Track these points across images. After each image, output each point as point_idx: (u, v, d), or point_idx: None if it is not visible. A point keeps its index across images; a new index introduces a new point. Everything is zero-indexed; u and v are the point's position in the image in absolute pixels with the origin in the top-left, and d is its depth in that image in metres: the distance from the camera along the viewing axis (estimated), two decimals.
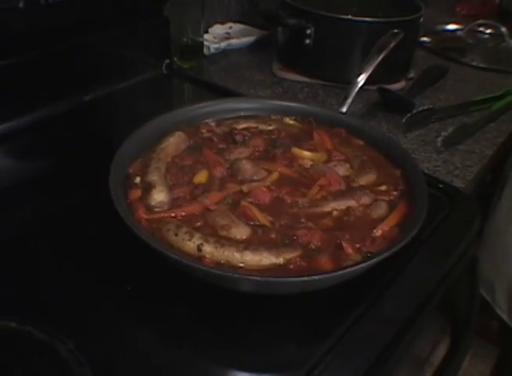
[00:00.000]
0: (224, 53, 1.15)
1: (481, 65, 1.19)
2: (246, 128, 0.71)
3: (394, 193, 0.60)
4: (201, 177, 0.60)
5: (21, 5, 0.75)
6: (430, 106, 0.92)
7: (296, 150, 0.65)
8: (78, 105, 0.86)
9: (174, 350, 0.47)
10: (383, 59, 0.85)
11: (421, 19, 1.03)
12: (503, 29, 1.31)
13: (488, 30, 1.41)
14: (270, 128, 0.71)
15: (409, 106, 0.90)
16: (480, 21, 1.39)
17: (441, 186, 0.71)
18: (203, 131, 0.70)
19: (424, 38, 1.36)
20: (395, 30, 0.87)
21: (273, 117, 0.74)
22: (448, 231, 0.65)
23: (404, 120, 0.86)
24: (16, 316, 0.47)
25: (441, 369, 0.64)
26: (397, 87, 1.03)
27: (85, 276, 0.53)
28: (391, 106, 0.92)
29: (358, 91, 0.86)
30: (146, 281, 0.52)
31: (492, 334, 1.34)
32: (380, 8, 1.09)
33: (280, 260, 0.49)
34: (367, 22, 0.95)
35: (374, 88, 0.94)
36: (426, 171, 0.76)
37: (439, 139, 0.83)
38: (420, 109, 0.89)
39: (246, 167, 0.61)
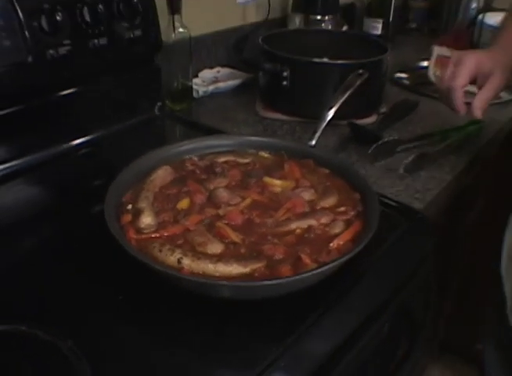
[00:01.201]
0: (212, 96, 1.26)
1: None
2: (225, 162, 0.81)
3: (352, 213, 0.69)
4: (183, 204, 0.69)
5: (30, 59, 0.86)
6: (395, 138, 1.02)
7: (267, 179, 0.75)
8: (78, 145, 0.97)
9: (158, 346, 0.56)
10: (354, 97, 0.97)
11: (386, 60, 1.14)
12: None
13: None
14: (246, 160, 0.81)
15: (375, 138, 1.00)
16: None
17: (399, 207, 0.81)
18: (188, 164, 0.80)
19: (402, 75, 1.47)
20: (360, 71, 0.98)
21: (250, 151, 0.84)
22: (403, 246, 0.74)
23: (370, 151, 0.95)
24: (24, 321, 0.56)
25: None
26: (369, 121, 1.13)
27: (84, 288, 0.62)
28: (360, 139, 1.02)
29: (333, 126, 0.97)
30: (136, 291, 0.61)
31: None
32: (353, 50, 1.20)
33: (247, 270, 0.58)
34: (336, 64, 1.06)
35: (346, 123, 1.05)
36: (389, 195, 0.85)
37: (401, 167, 0.93)
38: (385, 140, 0.99)
39: (223, 194, 0.71)
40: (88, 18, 0.92)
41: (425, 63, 1.47)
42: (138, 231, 0.64)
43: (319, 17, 1.44)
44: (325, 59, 1.21)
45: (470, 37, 1.71)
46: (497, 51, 0.96)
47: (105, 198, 0.66)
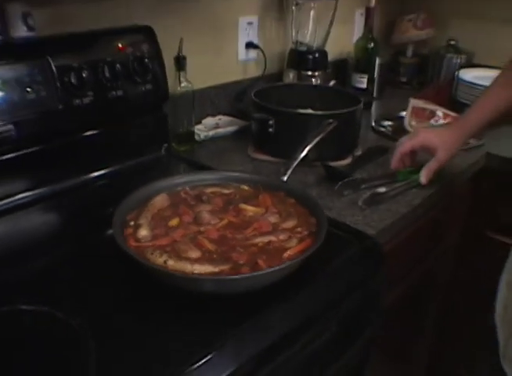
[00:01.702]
0: (212, 139, 1.46)
1: None
2: (212, 192, 1.00)
3: (305, 232, 0.88)
4: (174, 222, 0.89)
5: (60, 107, 1.08)
6: (361, 176, 1.21)
7: (243, 206, 0.94)
8: (95, 177, 1.17)
9: (145, 327, 0.74)
10: (330, 142, 1.17)
11: (360, 111, 1.34)
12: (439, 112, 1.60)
13: None
14: (229, 191, 1.00)
15: (344, 177, 1.19)
16: None
17: (353, 231, 1.00)
18: (182, 193, 0.99)
19: (387, 122, 1.67)
20: (330, 120, 1.18)
21: (233, 184, 1.03)
22: (352, 263, 0.93)
23: (336, 187, 1.15)
24: (46, 304, 0.75)
25: None
26: (344, 163, 1.32)
27: (93, 284, 0.82)
28: (332, 178, 1.21)
29: (312, 167, 1.18)
30: (131, 287, 0.81)
31: None
32: (333, 102, 1.40)
33: (216, 269, 0.77)
34: (312, 115, 1.27)
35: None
36: (349, 223, 1.04)
37: (360, 200, 1.12)
38: (352, 178, 1.18)
39: (206, 216, 0.90)
40: (108, 74, 1.14)
41: (404, 113, 1.67)
42: (137, 240, 0.83)
43: (310, 73, 1.66)
44: (309, 110, 1.42)
45: (449, 91, 1.90)
46: (449, 130, 1.20)
47: (113, 216, 0.85)
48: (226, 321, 0.75)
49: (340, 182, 1.15)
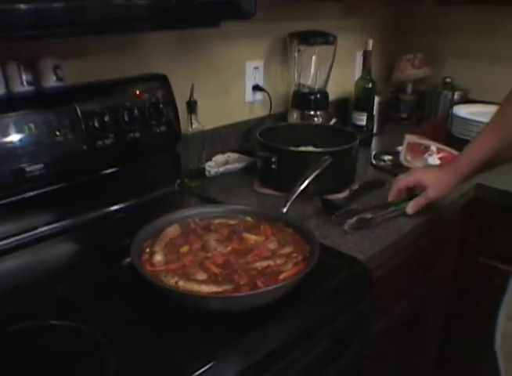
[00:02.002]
0: (222, 175, 1.59)
1: None
2: (219, 223, 1.13)
3: (300, 258, 0.99)
4: (185, 249, 1.01)
5: (84, 147, 1.22)
6: (355, 207, 1.33)
7: (246, 235, 1.07)
8: (114, 211, 1.30)
9: (155, 339, 0.86)
10: (327, 177, 1.29)
11: (356, 148, 1.47)
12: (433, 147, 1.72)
13: None
14: (234, 222, 1.13)
15: (336, 208, 1.31)
16: None
17: (345, 257, 1.11)
18: (192, 224, 1.12)
19: (387, 157, 1.79)
20: (326, 157, 1.30)
21: (238, 216, 1.15)
22: (343, 284, 1.04)
23: (332, 217, 1.26)
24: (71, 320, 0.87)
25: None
26: (341, 196, 1.43)
27: (112, 303, 0.94)
28: (329, 210, 1.33)
29: (310, 200, 1.29)
30: (148, 305, 0.92)
31: None
32: (333, 140, 1.52)
33: (220, 289, 0.88)
34: (310, 152, 1.39)
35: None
36: (342, 250, 1.16)
37: (347, 225, 1.23)
38: (345, 210, 1.30)
39: (213, 244, 1.02)
40: (126, 118, 1.28)
41: (400, 149, 1.79)
42: (152, 265, 0.95)
43: (312, 112, 1.79)
44: (310, 147, 1.55)
45: (445, 126, 2.02)
46: (443, 171, 1.31)
47: (131, 244, 0.98)
48: (229, 335, 0.86)
49: (335, 213, 1.27)
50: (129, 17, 0.98)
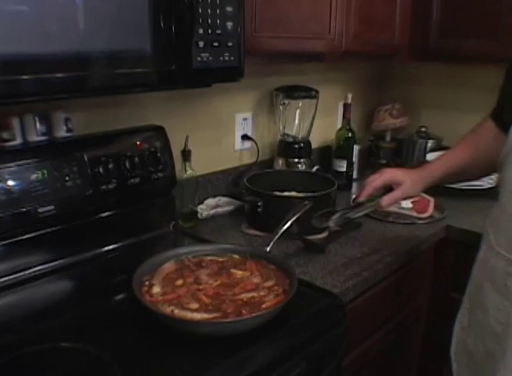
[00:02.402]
0: (213, 217, 1.74)
1: (391, 219, 1.76)
2: (210, 259, 1.27)
3: (281, 290, 1.13)
4: (179, 282, 1.15)
5: (90, 191, 1.36)
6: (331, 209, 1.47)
7: (233, 270, 1.21)
8: (113, 250, 1.44)
9: (156, 360, 0.99)
10: (309, 218, 1.43)
11: (334, 192, 1.62)
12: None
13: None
14: (223, 259, 1.27)
15: (318, 248, 1.45)
16: None
17: (323, 290, 1.25)
18: (185, 261, 1.26)
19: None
20: (306, 202, 1.45)
21: (226, 253, 1.29)
22: (319, 315, 1.17)
23: (312, 220, 1.41)
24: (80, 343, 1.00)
25: None
26: (321, 236, 1.58)
27: (115, 330, 1.07)
28: (309, 249, 1.47)
29: (293, 240, 1.44)
30: (147, 329, 1.06)
31: None
32: (314, 185, 1.69)
33: (210, 316, 1.02)
34: (292, 197, 1.55)
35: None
36: (318, 284, 1.30)
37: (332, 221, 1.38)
38: (322, 212, 1.42)
39: (204, 277, 1.16)
40: (128, 166, 1.43)
41: None
42: (151, 296, 1.09)
43: (296, 160, 1.96)
44: (293, 192, 1.70)
45: None
46: (415, 171, 1.38)
47: (132, 278, 1.12)
48: (217, 356, 0.99)
49: (314, 215, 1.41)
50: (132, 84, 1.14)
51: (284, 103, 1.93)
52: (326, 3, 1.60)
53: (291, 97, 1.93)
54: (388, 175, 1.36)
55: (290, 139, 1.97)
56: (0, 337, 1.06)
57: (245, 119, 1.94)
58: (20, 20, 0.93)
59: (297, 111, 1.97)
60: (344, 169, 2.07)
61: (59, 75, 1.02)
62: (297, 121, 1.99)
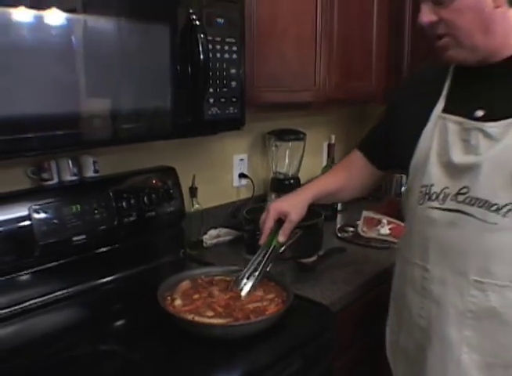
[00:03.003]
0: (216, 245, 1.98)
1: (372, 244, 2.02)
2: (219, 279, 1.51)
3: (280, 301, 1.37)
4: (196, 296, 1.39)
5: (115, 223, 1.61)
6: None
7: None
8: (133, 274, 1.67)
9: (175, 359, 1.22)
10: (300, 245, 1.68)
11: (321, 222, 1.88)
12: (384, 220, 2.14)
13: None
14: (229, 278, 1.50)
15: (309, 269, 1.70)
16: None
17: (314, 302, 1.49)
18: (199, 280, 1.49)
19: (350, 228, 2.20)
20: (297, 230, 1.70)
21: (233, 274, 1.53)
22: (311, 323, 1.41)
23: (229, 287, 1.65)
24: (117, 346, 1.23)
25: None
26: (311, 259, 1.82)
27: (144, 336, 1.30)
28: (301, 270, 1.72)
29: (288, 263, 1.67)
30: (171, 335, 1.29)
31: None
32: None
33: (224, 321, 1.26)
34: None
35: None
36: (310, 297, 1.54)
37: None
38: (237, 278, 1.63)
39: (216, 293, 1.40)
40: (146, 201, 1.68)
41: (358, 222, 2.21)
42: (174, 307, 1.33)
43: None
44: None
45: (397, 203, 2.44)
46: (295, 195, 1.53)
47: (157, 293, 1.35)
48: (226, 355, 1.23)
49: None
50: (154, 134, 1.41)
51: (276, 145, 2.20)
52: (311, 60, 1.89)
53: (282, 139, 2.20)
54: (275, 211, 1.47)
55: (282, 176, 2.24)
56: (50, 344, 1.29)
57: (242, 159, 2.20)
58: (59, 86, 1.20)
59: (287, 152, 2.24)
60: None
61: (99, 129, 1.28)
62: (287, 161, 2.26)
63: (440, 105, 1.29)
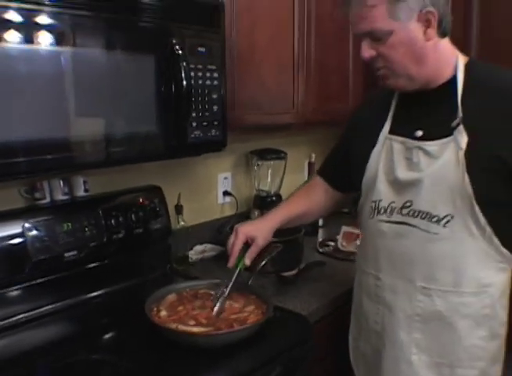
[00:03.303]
0: (201, 261, 2.07)
1: (351, 258, 2.11)
2: (203, 292, 1.60)
3: (259, 312, 1.46)
4: (180, 308, 1.47)
5: (104, 240, 1.69)
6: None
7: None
8: (121, 288, 1.76)
9: (159, 363, 1.31)
10: (281, 260, 1.78)
11: (301, 238, 1.97)
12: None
13: None
14: (213, 292, 1.59)
15: (289, 281, 1.79)
16: None
17: (293, 313, 1.58)
18: (184, 293, 1.58)
19: (331, 243, 2.29)
20: (278, 244, 1.80)
21: (216, 287, 1.62)
22: (290, 332, 1.50)
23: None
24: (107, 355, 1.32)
25: None
26: (292, 273, 1.92)
27: (129, 344, 1.39)
28: (282, 282, 1.81)
29: (270, 276, 1.77)
30: (158, 345, 1.38)
31: None
32: (283, 232, 2.03)
33: (206, 330, 1.35)
34: None
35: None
36: (290, 308, 1.63)
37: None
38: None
39: (199, 305, 1.49)
40: (133, 218, 1.77)
41: (338, 237, 2.30)
42: (159, 318, 1.41)
43: None
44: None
45: None
46: (263, 221, 1.60)
47: (145, 305, 1.44)
48: (209, 362, 1.31)
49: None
50: (142, 156, 1.51)
51: (258, 164, 2.31)
52: (289, 85, 2.01)
53: (264, 159, 2.31)
54: (243, 235, 1.52)
55: (264, 194, 2.34)
56: (45, 354, 1.38)
57: (226, 178, 2.30)
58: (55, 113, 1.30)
59: (269, 170, 2.36)
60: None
61: (90, 152, 1.38)
62: (269, 179, 2.37)
63: (387, 126, 1.43)
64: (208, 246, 2.16)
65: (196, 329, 1.36)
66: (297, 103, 2.03)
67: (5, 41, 1.17)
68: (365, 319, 1.51)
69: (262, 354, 1.40)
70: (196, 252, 2.10)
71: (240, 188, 2.39)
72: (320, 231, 2.52)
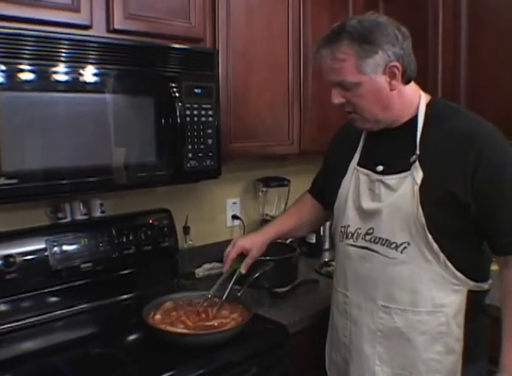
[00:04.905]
0: (208, 277, 2.30)
1: None
2: (197, 301, 1.82)
3: (242, 319, 1.68)
4: (173, 314, 1.70)
5: (115, 254, 1.95)
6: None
7: (210, 308, 1.76)
8: (129, 298, 2.00)
9: (151, 359, 1.54)
10: (274, 276, 1.99)
11: (296, 257, 2.17)
12: None
13: None
14: (206, 304, 1.81)
15: (280, 296, 1.99)
16: None
17: (275, 323, 1.78)
18: (180, 302, 1.81)
19: (332, 262, 2.48)
20: (269, 262, 2.01)
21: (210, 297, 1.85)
22: (269, 340, 1.71)
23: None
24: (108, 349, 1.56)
25: None
26: (286, 289, 2.12)
27: (126, 343, 1.62)
28: (273, 298, 2.02)
29: (262, 291, 1.97)
30: (148, 341, 1.61)
31: None
32: (282, 251, 2.24)
33: (192, 332, 1.57)
34: (263, 260, 2.11)
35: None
36: (274, 318, 1.83)
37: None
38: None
39: (191, 310, 1.72)
40: (143, 237, 2.02)
41: None
42: (154, 320, 1.65)
43: None
44: (268, 257, 2.25)
45: None
46: (258, 235, 1.79)
47: (143, 310, 1.68)
48: (194, 358, 1.54)
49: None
50: (144, 182, 1.76)
51: (263, 190, 2.54)
52: (284, 117, 2.23)
53: (269, 186, 2.54)
54: (239, 247, 1.74)
55: (269, 218, 2.56)
56: (59, 351, 1.64)
57: (234, 203, 2.54)
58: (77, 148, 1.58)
59: (275, 196, 2.57)
60: (314, 241, 2.63)
61: (101, 179, 1.65)
62: (275, 204, 2.58)
63: (356, 158, 1.60)
64: (216, 264, 2.38)
65: (180, 330, 1.58)
66: (292, 135, 2.25)
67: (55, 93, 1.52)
68: (336, 331, 1.67)
69: (239, 354, 1.60)
70: (205, 269, 2.33)
71: (248, 212, 2.62)
72: (327, 254, 2.69)
